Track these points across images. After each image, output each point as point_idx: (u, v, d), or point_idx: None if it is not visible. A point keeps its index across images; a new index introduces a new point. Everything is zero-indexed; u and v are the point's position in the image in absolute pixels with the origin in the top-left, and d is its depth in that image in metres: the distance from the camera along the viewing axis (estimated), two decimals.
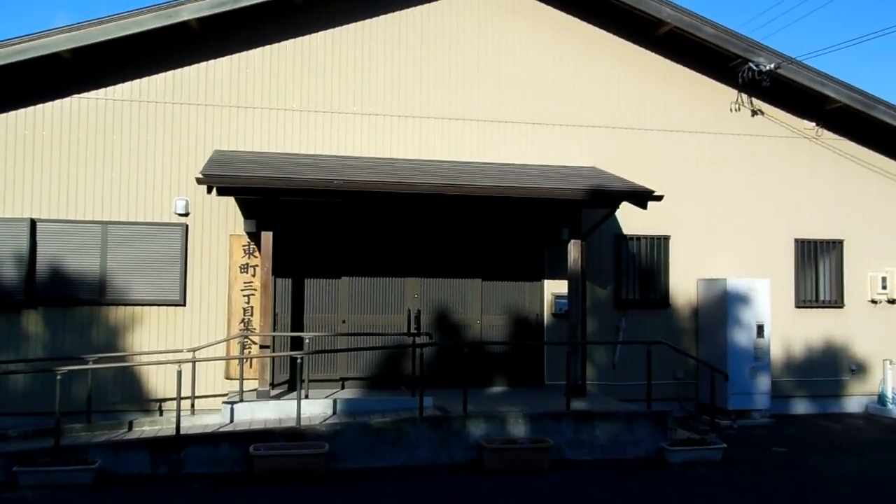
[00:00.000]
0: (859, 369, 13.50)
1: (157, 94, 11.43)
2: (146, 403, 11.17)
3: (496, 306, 12.36)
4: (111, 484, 8.11)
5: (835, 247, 13.56)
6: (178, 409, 8.86)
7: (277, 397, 10.52)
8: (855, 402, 13.53)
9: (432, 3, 12.32)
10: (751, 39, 12.57)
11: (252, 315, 11.50)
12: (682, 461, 9.29)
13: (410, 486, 8.28)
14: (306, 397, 10.25)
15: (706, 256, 13.04)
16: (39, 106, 11.11)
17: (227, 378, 11.36)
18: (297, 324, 11.74)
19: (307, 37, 11.93)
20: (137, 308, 11.25)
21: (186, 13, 10.89)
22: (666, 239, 12.86)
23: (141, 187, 11.34)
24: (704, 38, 12.53)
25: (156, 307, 11.29)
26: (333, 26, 12.02)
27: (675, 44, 12.95)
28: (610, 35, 12.89)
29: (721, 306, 12.32)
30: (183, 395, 10.76)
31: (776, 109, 13.45)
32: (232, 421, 9.79)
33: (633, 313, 12.72)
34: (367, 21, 12.12)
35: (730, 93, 13.29)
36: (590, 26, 12.82)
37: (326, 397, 10.33)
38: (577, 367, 11.27)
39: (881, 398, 13.41)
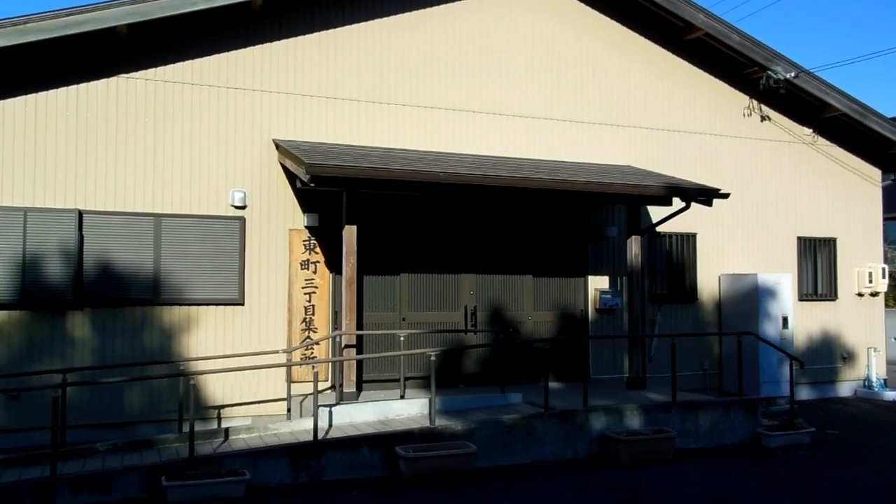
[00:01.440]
0: (849, 357, 14.68)
1: (211, 78, 10.59)
2: (204, 411, 10.30)
3: (545, 302, 12.40)
4: (259, 495, 7.44)
5: (828, 244, 14.68)
6: (316, 414, 8.24)
7: (356, 399, 10.03)
8: (846, 386, 14.69)
9: None
10: (771, 49, 13.37)
11: (314, 314, 10.90)
12: (779, 445, 9.76)
13: (565, 480, 8.18)
14: (402, 397, 9.89)
15: (724, 253, 13.71)
16: (83, 85, 9.99)
17: (290, 382, 10.69)
18: (358, 322, 11.21)
19: (364, 24, 11.47)
20: (193, 308, 10.36)
21: None
22: (693, 236, 13.41)
23: (195, 177, 10.47)
24: (731, 46, 13.20)
25: (212, 307, 10.46)
26: (389, 14, 11.63)
27: (699, 49, 13.54)
28: (642, 38, 13.29)
29: (750, 299, 13.01)
30: (243, 401, 10.19)
31: (780, 116, 14.38)
32: (331, 425, 9.24)
33: (665, 307, 13.16)
34: (424, 10, 11.82)
35: (742, 98, 14.07)
36: (623, 28, 13.16)
37: (420, 397, 9.96)
38: (640, 360, 11.55)
39: (867, 382, 14.65)
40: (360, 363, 10.84)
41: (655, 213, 12.43)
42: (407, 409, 9.67)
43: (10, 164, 9.62)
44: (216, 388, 10.35)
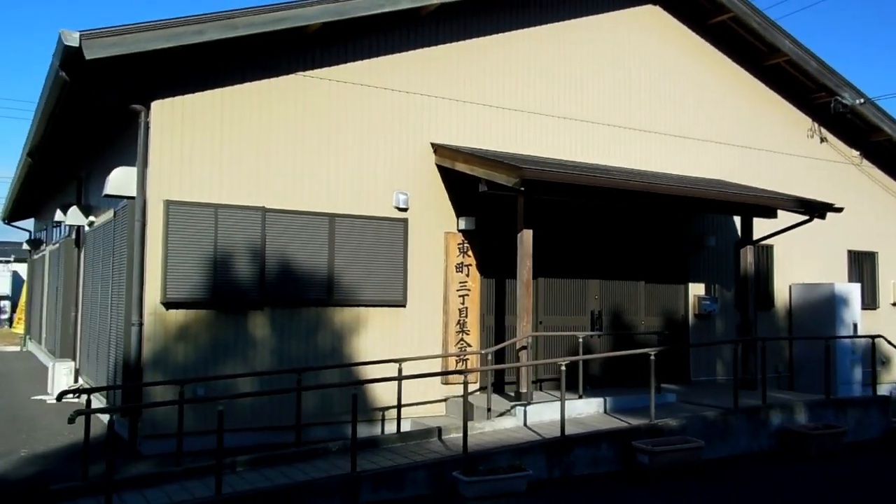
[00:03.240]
0: (887, 361, 16.05)
1: (378, 79, 10.62)
2: (370, 413, 10.30)
3: (654, 307, 13.01)
4: (538, 490, 7.63)
5: (871, 258, 16.03)
6: (563, 412, 8.45)
7: (532, 400, 10.28)
8: (884, 388, 16.02)
9: (608, 14, 12.76)
10: (841, 76, 14.54)
11: (466, 316, 11.08)
12: None
13: (786, 472, 8.79)
14: (580, 397, 10.22)
15: (793, 263, 14.76)
16: (265, 81, 9.83)
17: (444, 384, 10.82)
18: (500, 326, 11.49)
19: (508, 34, 11.77)
20: (362, 309, 10.35)
21: None
22: (770, 248, 14.38)
23: (364, 177, 10.46)
24: (807, 71, 14.28)
25: (379, 308, 10.47)
26: (530, 25, 11.98)
27: (775, 73, 14.56)
28: (729, 61, 14.19)
29: (825, 307, 14.08)
30: (410, 402, 10.24)
31: (835, 138, 15.63)
32: (525, 423, 9.48)
33: (739, 314, 14.03)
34: (560, 24, 12.24)
35: (805, 120, 15.23)
36: (716, 52, 14.01)
37: (594, 397, 10.32)
38: (755, 362, 12.31)
39: None
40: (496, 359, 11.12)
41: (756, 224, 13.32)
42: (587, 409, 10.03)
43: (199, 158, 9.36)
44: (381, 392, 10.32)
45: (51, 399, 13.24)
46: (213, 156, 9.44)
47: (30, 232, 26.82)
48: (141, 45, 8.45)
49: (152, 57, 8.78)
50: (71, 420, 6.30)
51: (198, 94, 9.38)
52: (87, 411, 6.83)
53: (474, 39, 11.46)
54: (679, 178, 12.43)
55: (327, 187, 10.17)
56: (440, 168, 10.92)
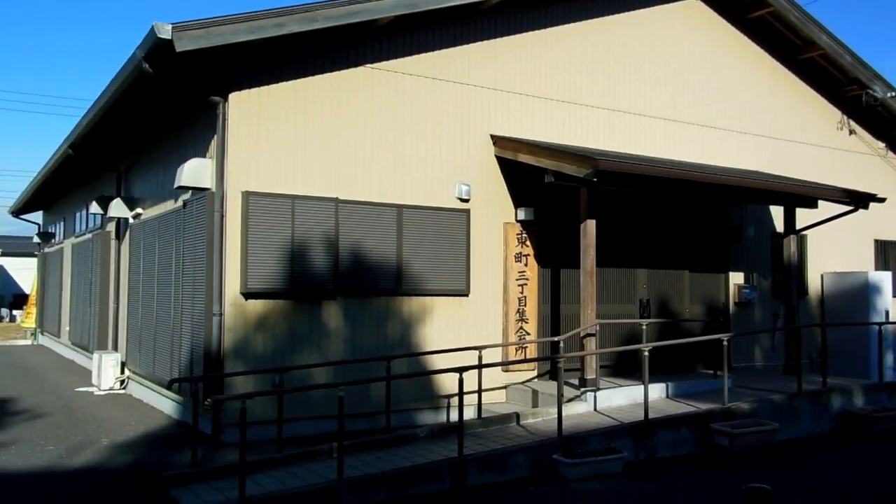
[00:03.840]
0: None
1: (441, 72, 10.74)
2: (436, 401, 10.46)
3: (697, 296, 13.26)
4: (631, 471, 7.83)
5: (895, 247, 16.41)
6: (646, 397, 8.66)
7: (597, 386, 10.49)
8: None
9: (654, 8, 12.95)
10: (874, 70, 14.85)
11: (525, 305, 11.25)
12: None
13: (858, 453, 9.05)
14: (643, 383, 10.41)
15: (823, 252, 15.08)
16: (335, 74, 9.92)
17: (505, 371, 11.00)
18: (555, 315, 11.68)
19: (562, 27, 11.93)
20: (428, 299, 10.49)
21: None
22: (804, 238, 14.67)
23: (428, 168, 10.59)
24: (841, 65, 14.57)
25: (443, 297, 10.62)
26: (582, 19, 12.15)
27: (809, 66, 14.84)
28: (767, 56, 14.44)
29: (858, 295, 14.40)
30: (473, 389, 10.40)
31: (862, 130, 15.95)
32: (595, 408, 9.69)
33: (776, 302, 14.33)
34: (607, 18, 12.41)
35: (835, 112, 15.53)
36: (753, 45, 14.26)
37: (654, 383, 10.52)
38: (797, 349, 12.60)
39: None
40: (551, 347, 11.31)
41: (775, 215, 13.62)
42: (650, 394, 10.23)
43: (274, 150, 9.45)
44: (446, 380, 10.46)
45: (98, 391, 13.28)
46: (288, 147, 9.53)
47: (39, 225, 26.63)
48: (225, 37, 8.52)
49: (230, 50, 8.84)
50: (207, 405, 6.40)
51: (272, 86, 9.46)
52: (222, 398, 6.97)
53: (528, 33, 11.60)
54: (724, 169, 12.66)
55: (394, 178, 10.29)
56: (499, 159, 11.07)
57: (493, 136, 11.07)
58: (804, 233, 14.52)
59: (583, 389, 9.96)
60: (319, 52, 9.75)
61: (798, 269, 14.54)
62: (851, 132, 15.74)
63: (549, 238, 11.50)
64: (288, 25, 8.90)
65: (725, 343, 9.54)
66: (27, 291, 65.69)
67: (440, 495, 6.97)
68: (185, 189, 9.73)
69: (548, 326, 11.54)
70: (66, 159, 15.13)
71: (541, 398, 10.34)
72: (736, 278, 13.75)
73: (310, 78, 9.74)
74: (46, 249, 24.57)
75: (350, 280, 9.82)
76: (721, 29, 13.89)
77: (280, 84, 9.52)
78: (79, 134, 13.03)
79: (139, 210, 13.08)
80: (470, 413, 10.57)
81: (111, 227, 14.98)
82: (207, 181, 9.59)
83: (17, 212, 26.09)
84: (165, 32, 8.07)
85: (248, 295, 9.18)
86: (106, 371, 13.34)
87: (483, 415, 10.01)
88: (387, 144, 10.25)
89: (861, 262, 15.62)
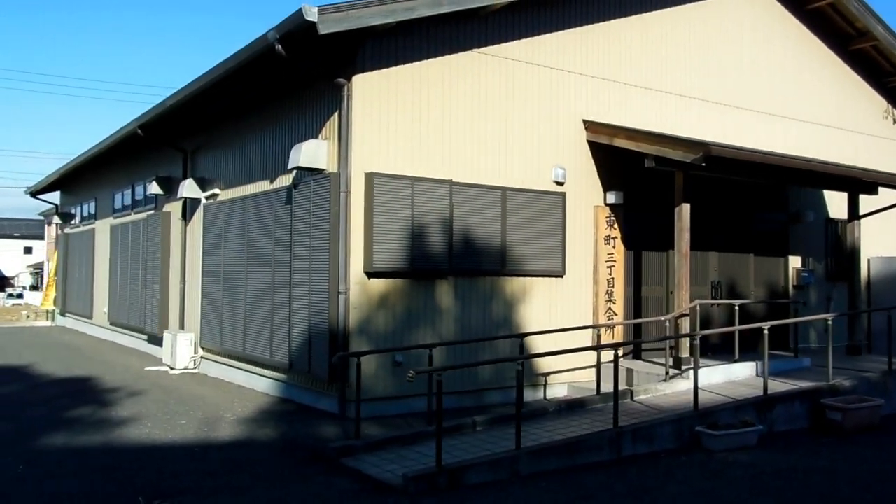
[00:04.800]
0: None
1: (540, 57, 10.98)
2: (534, 378, 10.78)
3: (760, 279, 13.70)
4: (763, 444, 8.19)
5: None
6: (766, 372, 9.04)
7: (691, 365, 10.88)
8: None
9: None
10: None
11: (613, 287, 11.59)
12: None
13: None
14: (736, 361, 10.83)
15: (868, 238, 15.58)
16: (446, 58, 10.11)
17: (595, 350, 11.31)
18: (637, 296, 12.03)
19: (653, 13, 12.21)
20: (528, 279, 10.78)
21: None
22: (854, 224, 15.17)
23: (527, 151, 10.84)
24: (891, 56, 15.04)
25: (541, 278, 10.91)
26: (666, 6, 12.44)
27: (859, 57, 15.30)
28: (825, 47, 14.88)
29: None
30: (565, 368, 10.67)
31: None
32: (696, 387, 10.05)
33: (829, 284, 14.86)
34: (689, 6, 12.72)
35: (880, 101, 16.02)
36: (813, 37, 14.68)
37: (745, 362, 10.95)
38: (861, 331, 13.12)
39: None
40: (635, 329, 11.72)
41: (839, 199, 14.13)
42: (743, 372, 10.68)
43: (395, 131, 9.63)
44: (545, 360, 10.77)
45: (171, 370, 13.39)
46: (406, 129, 9.72)
47: (56, 206, 26.36)
48: (363, 20, 8.69)
49: (357, 33, 8.99)
50: (411, 377, 6.61)
51: (390, 70, 9.62)
52: (423, 370, 7.15)
53: (614, 21, 11.87)
54: (804, 157, 13.07)
55: (498, 161, 10.53)
56: (591, 143, 11.35)
57: (585, 121, 11.34)
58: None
59: (684, 368, 10.33)
60: (433, 36, 9.93)
61: (849, 255, 15.08)
62: (895, 121, 16.28)
63: (632, 221, 11.83)
64: (418, 10, 9.08)
65: (830, 323, 9.96)
66: (6, 273, 64.31)
67: (602, 465, 7.29)
68: (303, 170, 9.87)
69: (632, 308, 11.90)
70: (128, 139, 15.13)
71: (636, 376, 10.69)
72: (794, 262, 14.22)
73: (423, 62, 9.92)
74: (69, 230, 24.37)
75: (461, 260, 10.07)
76: (781, 18, 14.27)
77: (397, 67, 9.69)
78: (155, 114, 13.07)
79: (215, 190, 13.15)
80: (562, 391, 10.99)
81: (170, 207, 15.02)
82: (323, 162, 9.76)
83: (39, 192, 25.84)
84: (312, 15, 8.20)
85: (371, 274, 9.38)
86: (181, 350, 13.44)
87: (574, 392, 10.50)
88: (492, 127, 10.48)
89: None
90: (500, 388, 10.36)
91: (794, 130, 14.25)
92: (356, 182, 9.33)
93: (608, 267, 11.54)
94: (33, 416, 9.55)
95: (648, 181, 11.64)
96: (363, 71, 9.41)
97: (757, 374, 10.81)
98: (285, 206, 10.66)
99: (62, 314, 24.89)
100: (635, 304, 11.97)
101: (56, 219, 25.72)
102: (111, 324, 19.02)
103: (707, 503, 6.29)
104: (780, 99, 14.12)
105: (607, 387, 10.08)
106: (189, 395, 11.04)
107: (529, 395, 10.63)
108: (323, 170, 9.78)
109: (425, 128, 9.88)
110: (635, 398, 9.53)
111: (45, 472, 6.96)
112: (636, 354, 11.86)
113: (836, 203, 14.62)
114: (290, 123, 10.78)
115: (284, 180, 10.84)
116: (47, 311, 26.69)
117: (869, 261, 15.49)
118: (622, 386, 10.28)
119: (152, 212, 16.14)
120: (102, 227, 20.14)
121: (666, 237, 11.71)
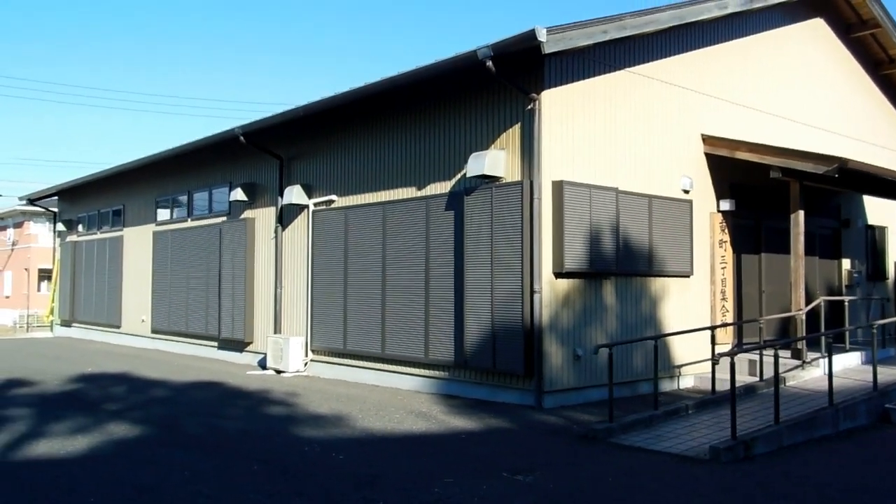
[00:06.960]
0: None
1: (668, 76, 11.98)
2: (671, 370, 11.73)
3: (823, 279, 15.16)
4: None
5: None
6: (874, 365, 10.25)
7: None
8: None
9: (794, 25, 14.71)
10: None
11: (725, 286, 12.71)
12: None
13: None
14: (846, 352, 12.10)
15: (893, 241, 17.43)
16: (605, 76, 10.98)
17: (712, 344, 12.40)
18: (739, 295, 13.19)
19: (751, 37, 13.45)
20: (667, 279, 11.75)
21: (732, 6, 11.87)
22: (884, 228, 16.93)
23: (662, 162, 11.82)
24: None
25: (675, 278, 11.90)
26: (745, 35, 13.71)
27: (886, 79, 17.09)
28: (861, 69, 16.53)
29: None
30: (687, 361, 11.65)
31: None
32: (826, 373, 11.27)
33: (869, 284, 16.51)
34: (774, 31, 14.05)
35: None
36: (850, 57, 16.32)
37: (852, 352, 12.24)
38: None
39: None
40: (739, 327, 12.87)
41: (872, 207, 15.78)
42: (852, 361, 11.98)
43: (573, 143, 10.43)
44: (677, 353, 11.74)
45: (283, 373, 13.67)
46: (581, 140, 10.54)
47: (55, 213, 25.58)
48: (574, 41, 9.51)
49: (550, 53, 9.77)
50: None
51: (567, 86, 10.43)
52: (727, 353, 7.92)
53: (722, 44, 13.05)
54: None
55: (643, 170, 11.47)
56: (708, 156, 12.45)
57: (703, 136, 12.43)
58: (884, 224, 16.82)
59: (812, 357, 11.52)
60: (597, 56, 10.79)
61: (880, 257, 16.80)
62: None
63: (737, 227, 13.00)
64: (609, 32, 9.95)
65: None
66: None
67: (829, 438, 8.31)
68: (484, 178, 10.51)
69: (739, 305, 13.05)
70: (226, 144, 15.22)
71: (764, 367, 11.79)
72: (845, 264, 15.77)
73: (589, 80, 10.77)
74: (75, 238, 23.79)
75: (622, 262, 10.94)
76: (831, 43, 15.84)
77: (571, 84, 10.50)
78: (266, 123, 13.41)
79: (332, 196, 13.53)
80: (690, 382, 11.98)
81: (253, 213, 15.29)
82: (501, 170, 10.46)
83: (36, 199, 25.11)
84: (542, 35, 8.94)
85: (559, 274, 10.13)
86: (294, 353, 13.73)
87: (698, 383, 11.49)
88: (640, 139, 11.42)
89: None
90: (648, 380, 11.23)
91: (843, 145, 15.80)
92: (545, 190, 10.08)
93: (721, 268, 12.65)
94: (267, 414, 9.86)
95: (752, 190, 12.86)
96: (549, 87, 10.18)
97: (862, 363, 12.11)
98: (446, 211, 11.25)
99: (66, 324, 24.24)
100: (737, 302, 13.12)
101: (60, 226, 24.95)
102: (153, 332, 18.88)
103: None
104: (836, 117, 15.65)
105: (722, 377, 11.15)
106: (341, 394, 11.40)
107: (666, 385, 11.56)
108: (500, 177, 10.47)
109: (594, 139, 10.72)
110: (788, 384, 10.63)
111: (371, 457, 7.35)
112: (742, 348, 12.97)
113: (872, 211, 16.25)
114: (452, 135, 11.36)
115: (439, 188, 11.44)
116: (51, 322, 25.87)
117: (895, 263, 17.27)
118: (748, 377, 11.41)
119: (224, 219, 16.28)
120: (137, 234, 19.92)
121: (756, 240, 13.01)
